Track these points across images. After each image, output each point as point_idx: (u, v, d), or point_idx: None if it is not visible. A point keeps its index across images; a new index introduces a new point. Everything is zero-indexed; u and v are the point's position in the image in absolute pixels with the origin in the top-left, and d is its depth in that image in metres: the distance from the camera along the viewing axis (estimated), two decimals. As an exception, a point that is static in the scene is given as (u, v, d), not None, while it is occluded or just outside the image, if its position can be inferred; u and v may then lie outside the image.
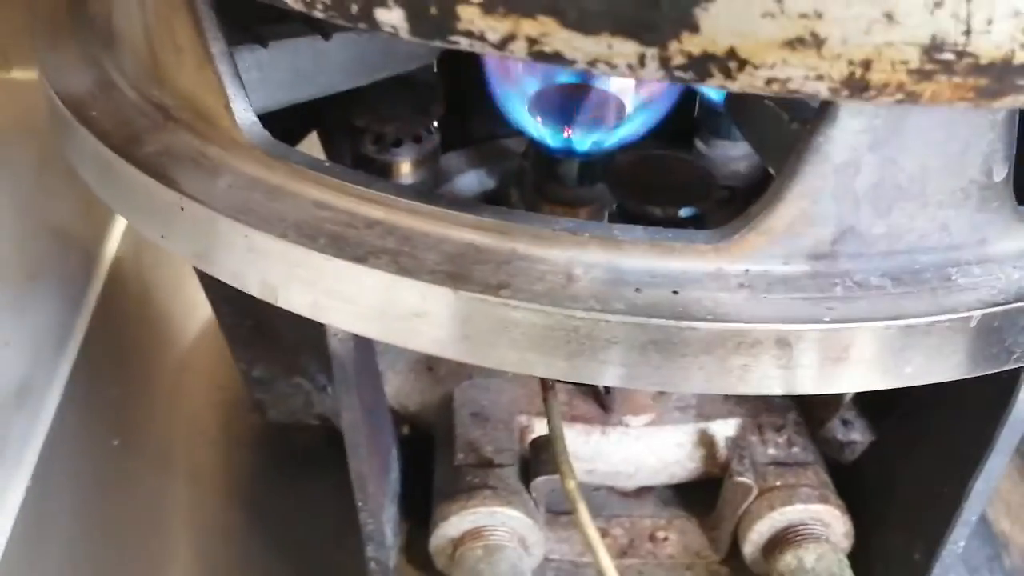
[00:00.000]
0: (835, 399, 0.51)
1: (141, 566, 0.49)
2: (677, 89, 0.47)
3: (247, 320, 0.49)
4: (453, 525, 0.43)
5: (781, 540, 0.44)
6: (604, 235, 0.31)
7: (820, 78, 0.22)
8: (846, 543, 0.45)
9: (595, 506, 0.49)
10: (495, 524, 0.43)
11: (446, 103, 0.56)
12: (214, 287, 0.48)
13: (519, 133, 0.49)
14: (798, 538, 0.43)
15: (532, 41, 0.23)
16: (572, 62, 0.23)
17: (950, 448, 0.41)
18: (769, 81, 0.22)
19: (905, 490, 0.45)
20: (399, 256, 0.31)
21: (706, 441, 0.47)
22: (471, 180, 0.56)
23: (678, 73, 0.22)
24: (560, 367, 0.31)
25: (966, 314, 0.31)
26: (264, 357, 0.51)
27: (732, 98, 0.41)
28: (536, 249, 0.31)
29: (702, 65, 0.22)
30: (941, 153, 0.30)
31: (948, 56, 0.22)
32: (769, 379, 0.31)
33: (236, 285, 0.34)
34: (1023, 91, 0.22)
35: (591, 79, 0.48)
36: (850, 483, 0.47)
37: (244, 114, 0.34)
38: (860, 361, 0.31)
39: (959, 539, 0.41)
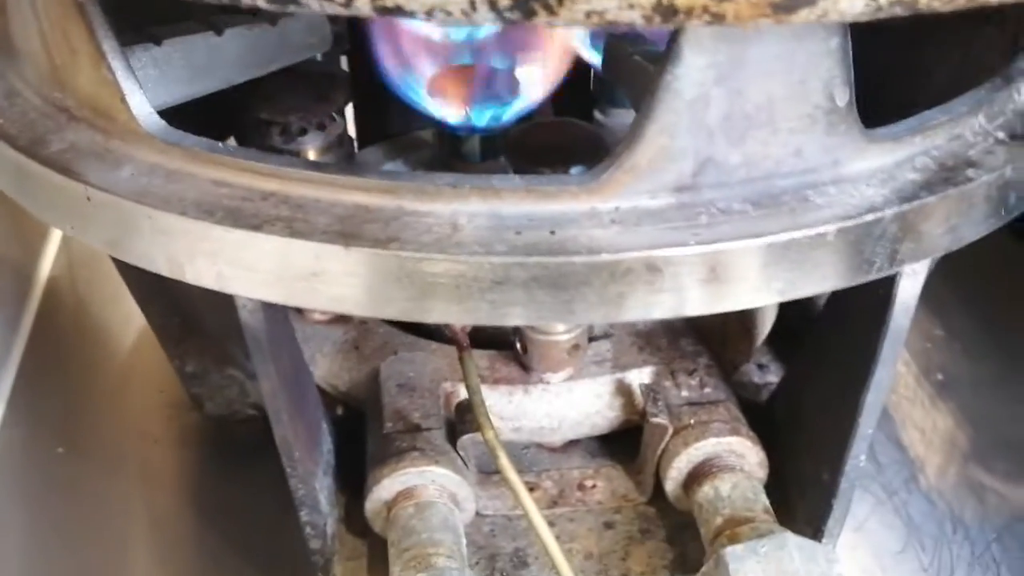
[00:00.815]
0: (746, 343, 0.54)
1: (96, 564, 0.51)
2: (565, 62, 0.49)
3: (174, 317, 0.51)
4: (385, 488, 0.45)
5: (698, 474, 0.46)
6: (483, 186, 0.33)
7: (632, 7, 0.24)
8: (761, 472, 0.47)
9: (524, 463, 0.51)
10: (425, 483, 0.45)
11: (361, 100, 0.59)
12: (138, 286, 0.50)
13: (433, 124, 0.52)
14: (714, 470, 0.46)
15: (374, -3, 0.25)
16: (412, 13, 0.25)
17: (843, 369, 0.43)
18: (588, 14, 0.24)
19: (810, 417, 0.47)
20: (293, 222, 0.33)
21: (623, 390, 0.49)
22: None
23: (507, 14, 0.25)
24: (454, 311, 0.33)
25: (822, 228, 0.33)
26: (195, 352, 0.52)
27: (608, 61, 0.43)
28: (421, 205, 0.33)
29: (526, 4, 0.24)
30: (784, 82, 0.33)
31: (741, -24, 0.24)
32: (647, 304, 0.33)
33: (146, 267, 0.36)
34: (815, 4, 0.25)
35: (484, 59, 0.51)
36: (764, 420, 0.49)
37: (140, 106, 0.36)
38: (729, 280, 0.33)
39: (859, 453, 0.43)
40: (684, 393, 0.49)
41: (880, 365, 0.41)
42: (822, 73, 0.33)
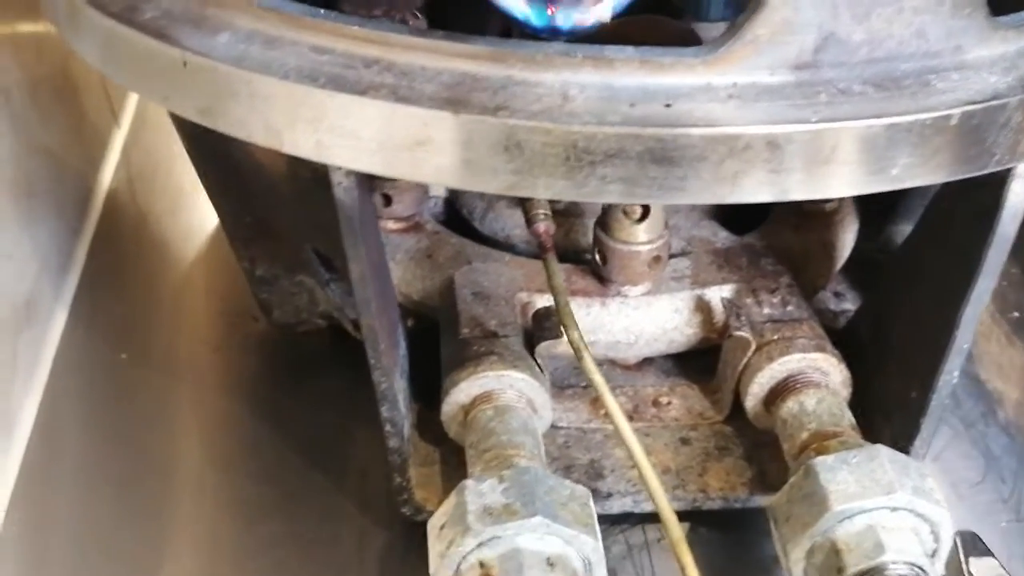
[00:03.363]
0: (826, 266, 0.53)
1: (154, 465, 0.50)
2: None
3: (247, 216, 0.50)
4: (463, 391, 0.44)
5: (782, 389, 0.45)
6: (596, 55, 0.32)
7: None
8: (845, 392, 0.46)
9: (598, 380, 0.50)
10: (503, 387, 0.44)
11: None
12: (213, 179, 0.49)
13: (517, 26, 0.50)
14: (798, 385, 0.44)
15: None
16: None
17: (941, 282, 0.42)
18: None
19: (901, 335, 0.46)
20: (398, 89, 0.32)
21: (702, 307, 0.48)
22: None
23: None
24: (561, 185, 0.32)
25: (946, 112, 0.32)
26: (266, 255, 0.52)
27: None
28: (531, 74, 0.32)
29: None
30: (913, -47, 0.31)
31: None
32: (762, 184, 0.32)
33: (240, 134, 0.35)
34: None
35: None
36: (845, 342, 0.48)
37: (239, -29, 0.35)
38: (847, 163, 0.32)
39: (953, 369, 0.42)
40: (766, 310, 0.47)
41: (983, 276, 0.39)
42: (953, -54, 0.31)
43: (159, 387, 0.54)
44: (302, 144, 0.34)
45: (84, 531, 0.47)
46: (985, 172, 0.34)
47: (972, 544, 0.32)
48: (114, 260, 0.62)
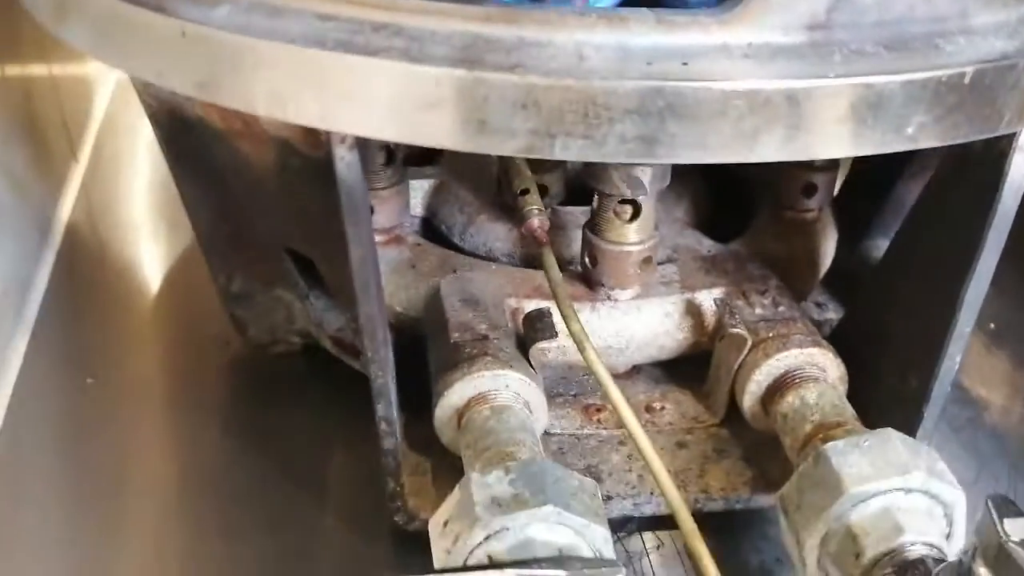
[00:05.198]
0: (810, 273, 0.53)
1: (128, 487, 0.48)
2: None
3: (225, 225, 0.48)
4: (456, 392, 0.42)
5: (781, 386, 0.44)
6: (611, 15, 0.32)
7: None
8: (842, 387, 0.45)
9: (588, 389, 0.49)
10: (498, 387, 0.42)
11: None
12: (191, 186, 0.48)
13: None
14: (797, 380, 0.44)
15: None
16: None
17: (937, 269, 0.42)
18: None
19: (896, 327, 0.46)
20: (409, 51, 0.31)
21: (693, 310, 0.48)
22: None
23: None
24: (579, 145, 0.31)
25: (960, 69, 0.32)
26: (243, 268, 0.50)
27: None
28: (544, 35, 0.32)
29: None
30: (925, -87, 0.32)
31: None
32: (781, 142, 0.32)
33: (241, 106, 0.33)
34: None
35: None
36: (833, 343, 0.47)
37: (242, -59, 0.34)
38: (864, 120, 0.32)
39: (956, 353, 0.42)
40: (758, 311, 0.47)
41: (985, 254, 0.39)
42: (964, -99, 0.32)
43: (129, 410, 0.52)
44: (308, 111, 0.32)
45: (54, 555, 0.45)
46: (994, 135, 0.34)
47: (1005, 506, 0.32)
48: (77, 288, 0.60)
